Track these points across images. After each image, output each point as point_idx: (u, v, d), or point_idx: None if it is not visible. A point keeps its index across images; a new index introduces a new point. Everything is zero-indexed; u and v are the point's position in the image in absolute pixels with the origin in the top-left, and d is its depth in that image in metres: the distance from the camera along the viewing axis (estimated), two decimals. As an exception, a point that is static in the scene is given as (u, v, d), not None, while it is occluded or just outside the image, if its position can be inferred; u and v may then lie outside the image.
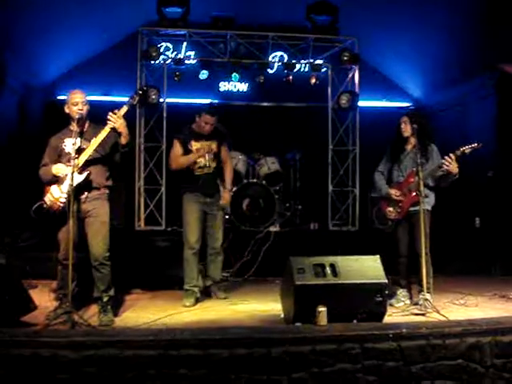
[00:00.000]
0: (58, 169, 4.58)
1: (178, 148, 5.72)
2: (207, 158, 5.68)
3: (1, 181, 7.39)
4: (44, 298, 5.22)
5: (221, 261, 6.00)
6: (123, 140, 4.62)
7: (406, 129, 5.36)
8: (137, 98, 4.75)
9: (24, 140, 8.13)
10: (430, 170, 5.20)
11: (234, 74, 8.85)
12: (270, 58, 8.82)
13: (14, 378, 3.35)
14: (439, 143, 5.56)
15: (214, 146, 5.77)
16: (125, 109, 4.60)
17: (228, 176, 6.00)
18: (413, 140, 5.32)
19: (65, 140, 4.70)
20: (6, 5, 6.93)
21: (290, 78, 8.69)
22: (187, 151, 5.69)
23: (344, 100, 8.57)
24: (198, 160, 5.67)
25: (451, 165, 5.03)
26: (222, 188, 6.00)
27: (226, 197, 5.93)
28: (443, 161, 5.06)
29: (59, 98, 9.06)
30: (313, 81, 8.77)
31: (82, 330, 4.07)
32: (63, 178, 4.56)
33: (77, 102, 4.64)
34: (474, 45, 8.04)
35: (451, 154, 5.04)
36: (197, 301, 5.54)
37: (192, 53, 8.79)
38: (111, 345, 3.47)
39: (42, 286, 5.93)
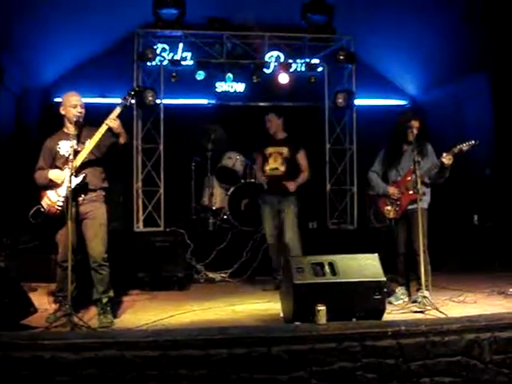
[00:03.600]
0: (56, 175, 4.59)
1: None
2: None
3: (-1, 183, 7.41)
4: (43, 301, 5.23)
5: (292, 252, 6.18)
6: (122, 140, 4.65)
7: (415, 132, 5.28)
8: (129, 99, 4.75)
9: (21, 142, 8.13)
10: (427, 168, 5.21)
11: (228, 75, 8.87)
12: (267, 58, 8.83)
13: (14, 380, 3.36)
14: (435, 141, 5.57)
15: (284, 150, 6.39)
16: (118, 110, 4.61)
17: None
18: (412, 140, 5.30)
19: (59, 143, 4.71)
20: (4, 7, 6.93)
21: (280, 77, 8.67)
22: None
23: (340, 99, 8.57)
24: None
25: (449, 159, 5.04)
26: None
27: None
28: (442, 159, 5.07)
29: (56, 100, 9.06)
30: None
31: (81, 332, 4.09)
32: (60, 183, 4.57)
33: (75, 104, 4.66)
34: (469, 42, 8.06)
35: (451, 153, 5.05)
36: None
37: (188, 54, 8.79)
38: (111, 346, 3.47)
39: (42, 288, 5.93)
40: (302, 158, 6.47)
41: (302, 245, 6.28)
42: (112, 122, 4.53)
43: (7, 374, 3.35)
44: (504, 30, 7.52)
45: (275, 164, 6.43)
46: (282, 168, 6.39)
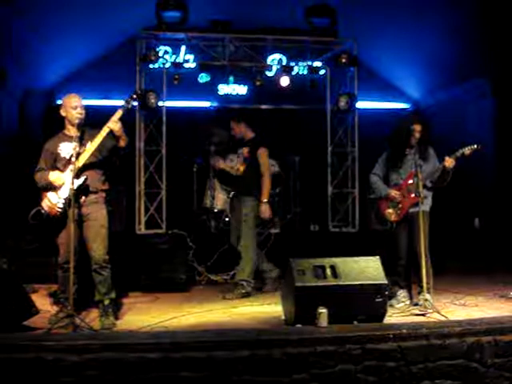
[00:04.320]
0: (56, 177, 4.59)
1: None
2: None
3: (2, 185, 7.41)
4: (45, 302, 5.25)
5: (242, 261, 6.18)
6: (122, 143, 4.65)
7: (417, 136, 5.28)
8: (131, 102, 4.76)
9: (25, 144, 8.15)
10: (429, 172, 5.22)
11: (231, 77, 8.90)
12: (269, 61, 8.84)
13: (17, 382, 3.37)
14: (437, 144, 5.57)
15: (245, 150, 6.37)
16: (119, 113, 4.61)
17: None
18: (414, 144, 5.31)
19: (60, 145, 4.71)
20: (6, 10, 6.96)
21: (283, 80, 8.69)
22: None
23: (343, 102, 8.59)
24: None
25: (453, 164, 5.06)
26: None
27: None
28: (445, 163, 5.08)
29: (59, 102, 9.07)
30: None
31: (83, 334, 4.10)
32: (60, 185, 4.58)
33: (76, 105, 4.66)
34: (471, 46, 8.07)
35: (453, 157, 5.07)
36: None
37: (191, 56, 8.80)
38: (113, 348, 3.49)
39: (43, 289, 5.95)
40: (260, 156, 6.26)
41: (255, 254, 6.20)
42: (113, 124, 4.54)
43: (10, 376, 3.36)
44: (507, 34, 7.52)
45: (238, 165, 6.50)
46: (242, 168, 6.41)
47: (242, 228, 6.19)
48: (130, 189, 8.13)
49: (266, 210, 6.15)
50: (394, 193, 5.38)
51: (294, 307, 4.24)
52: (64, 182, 4.56)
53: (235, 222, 6.44)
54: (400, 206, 5.34)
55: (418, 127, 5.31)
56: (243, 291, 6.02)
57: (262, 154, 6.27)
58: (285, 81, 8.69)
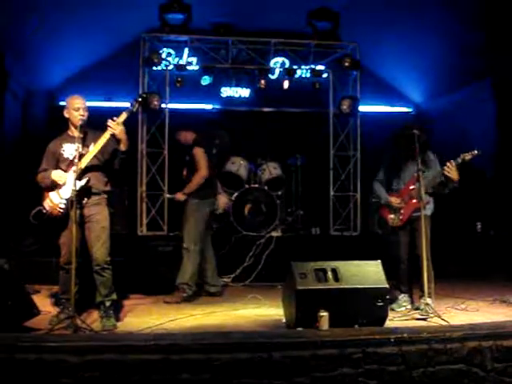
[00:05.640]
0: (59, 176, 4.60)
1: None
2: None
3: (5, 186, 7.42)
4: (47, 303, 5.25)
5: (182, 264, 6.06)
6: (122, 147, 4.64)
7: (419, 141, 5.29)
8: (136, 106, 4.76)
9: (27, 145, 8.17)
10: (431, 177, 5.21)
11: (233, 80, 8.95)
12: (272, 64, 8.86)
13: (17, 382, 3.37)
14: (439, 149, 5.57)
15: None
16: (124, 116, 4.61)
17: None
18: (416, 148, 5.29)
19: (63, 145, 4.72)
20: (10, 11, 6.98)
21: (285, 83, 8.72)
22: None
23: (345, 105, 8.61)
24: None
25: (452, 171, 5.05)
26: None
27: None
28: (445, 168, 5.08)
29: (62, 103, 9.08)
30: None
31: (84, 335, 4.10)
32: (62, 184, 4.59)
33: (78, 107, 4.66)
34: (473, 50, 8.08)
35: (452, 161, 5.06)
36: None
37: (194, 59, 8.82)
38: (114, 349, 3.48)
39: (45, 290, 5.95)
40: (195, 155, 6.16)
41: (197, 257, 6.07)
42: (116, 127, 4.53)
43: (10, 376, 3.36)
44: (508, 37, 7.53)
45: (184, 170, 6.42)
46: (184, 172, 6.38)
47: (184, 230, 6.11)
48: (132, 190, 8.14)
49: (180, 197, 6.15)
50: (394, 200, 5.38)
51: (295, 310, 4.24)
52: (66, 182, 4.57)
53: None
54: (402, 211, 5.34)
55: (418, 132, 5.30)
56: (184, 295, 5.95)
57: (196, 152, 6.16)
58: (284, 84, 8.73)
